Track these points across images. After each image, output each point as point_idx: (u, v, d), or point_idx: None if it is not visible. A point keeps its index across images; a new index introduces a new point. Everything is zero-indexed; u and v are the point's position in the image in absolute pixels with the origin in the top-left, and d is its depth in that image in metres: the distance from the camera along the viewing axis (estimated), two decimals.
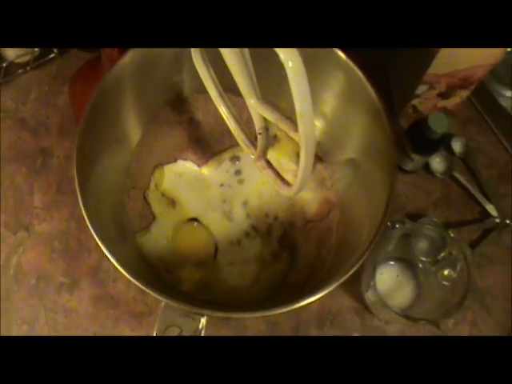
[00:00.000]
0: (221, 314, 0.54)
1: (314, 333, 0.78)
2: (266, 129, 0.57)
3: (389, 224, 0.74)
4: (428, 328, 0.79)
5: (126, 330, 0.77)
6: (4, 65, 0.88)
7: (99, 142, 0.64)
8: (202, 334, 0.55)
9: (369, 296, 0.75)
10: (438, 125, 0.75)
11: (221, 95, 0.63)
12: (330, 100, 0.69)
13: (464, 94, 0.86)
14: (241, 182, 0.73)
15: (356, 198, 0.69)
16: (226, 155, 0.75)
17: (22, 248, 0.80)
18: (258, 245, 0.71)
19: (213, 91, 0.63)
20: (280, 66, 0.41)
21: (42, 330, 0.77)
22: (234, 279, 0.69)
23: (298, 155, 0.51)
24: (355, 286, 0.79)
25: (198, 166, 0.75)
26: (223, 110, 0.63)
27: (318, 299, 0.54)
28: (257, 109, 0.54)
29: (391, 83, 0.87)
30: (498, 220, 0.85)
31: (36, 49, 0.88)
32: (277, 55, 0.41)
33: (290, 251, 0.71)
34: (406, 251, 0.78)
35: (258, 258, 0.70)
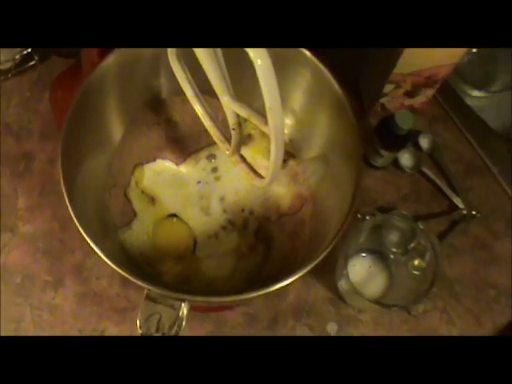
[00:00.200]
0: (199, 299, 0.56)
1: (291, 323, 0.82)
2: (239, 124, 0.60)
3: (359, 216, 0.77)
4: (400, 315, 0.83)
5: (110, 326, 0.80)
6: None
7: (82, 144, 0.66)
8: (183, 324, 0.58)
9: (342, 285, 0.78)
10: (404, 121, 0.78)
11: (197, 95, 0.65)
12: (299, 98, 0.71)
13: (429, 92, 0.89)
14: (217, 178, 0.76)
15: (327, 191, 0.72)
16: (203, 154, 0.77)
17: (7, 249, 0.83)
18: (235, 238, 0.74)
19: (189, 92, 0.65)
20: (252, 69, 0.45)
21: (28, 327, 0.79)
22: (212, 271, 0.72)
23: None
24: (329, 278, 0.82)
25: (177, 164, 0.77)
26: (199, 110, 0.66)
27: (289, 284, 0.57)
28: (230, 106, 0.57)
29: (360, 83, 0.90)
30: (464, 212, 0.89)
31: (17, 56, 0.90)
32: (247, 55, 0.44)
33: (266, 243, 0.74)
34: (378, 243, 0.81)
35: (235, 251, 0.73)
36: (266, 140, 0.76)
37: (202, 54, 0.54)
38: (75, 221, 0.57)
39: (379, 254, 0.83)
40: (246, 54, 0.44)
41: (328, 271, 0.82)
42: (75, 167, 0.64)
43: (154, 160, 0.77)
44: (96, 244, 0.56)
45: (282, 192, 0.75)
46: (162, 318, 0.56)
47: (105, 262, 0.56)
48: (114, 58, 0.65)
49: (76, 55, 0.92)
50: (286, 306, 0.83)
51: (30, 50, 0.90)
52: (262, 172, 0.64)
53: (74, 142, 0.63)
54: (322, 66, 0.65)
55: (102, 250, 0.56)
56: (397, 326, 0.83)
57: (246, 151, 0.71)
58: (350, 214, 0.60)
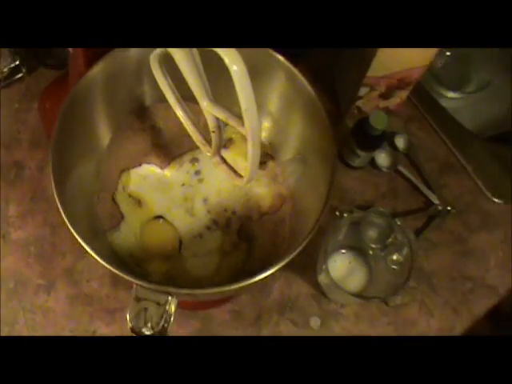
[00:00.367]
0: (184, 291, 0.59)
1: (275, 319, 0.85)
2: (219, 127, 0.63)
3: (337, 214, 0.81)
4: (380, 308, 0.86)
5: (101, 326, 0.83)
6: None
7: (71, 151, 0.68)
8: (171, 320, 0.61)
9: (322, 279, 0.82)
10: (378, 122, 0.82)
11: (179, 102, 0.68)
12: (275, 101, 0.75)
13: (403, 94, 0.93)
14: (200, 181, 0.79)
15: (305, 191, 0.75)
16: (186, 157, 0.80)
17: (0, 255, 0.85)
18: (219, 237, 0.77)
19: (171, 98, 0.68)
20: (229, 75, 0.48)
21: (22, 330, 0.82)
22: (197, 270, 0.75)
23: None
24: (311, 275, 0.86)
25: (161, 168, 0.80)
26: (181, 115, 0.69)
27: (267, 276, 0.60)
28: (209, 109, 0.61)
29: (336, 87, 0.94)
30: (440, 207, 0.93)
31: (5, 69, 0.93)
32: (223, 60, 0.48)
33: (248, 241, 0.76)
34: (357, 239, 0.84)
35: (219, 249, 0.76)
36: (245, 143, 0.79)
37: (181, 61, 0.57)
38: (67, 223, 0.59)
39: (358, 250, 0.86)
40: (223, 61, 0.48)
41: (310, 268, 0.85)
42: (65, 173, 0.66)
43: (140, 165, 0.80)
44: (87, 244, 0.59)
45: (263, 192, 0.78)
46: (150, 313, 0.59)
47: (96, 260, 0.59)
48: (100, 68, 0.68)
49: (63, 67, 0.95)
50: (270, 302, 0.86)
51: (17, 62, 0.93)
52: (242, 172, 0.67)
53: (63, 149, 0.66)
54: (294, 70, 0.68)
55: (93, 249, 0.59)
56: (377, 319, 0.87)
57: (227, 154, 0.74)
58: (324, 211, 0.63)
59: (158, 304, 0.59)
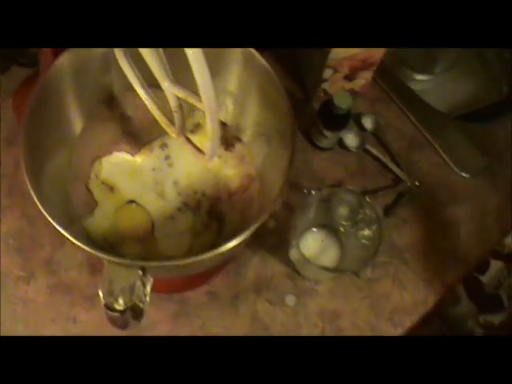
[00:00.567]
0: (154, 263, 0.62)
1: (252, 299, 0.87)
2: (181, 107, 0.66)
3: (305, 191, 0.82)
4: (354, 283, 0.88)
5: (80, 311, 0.84)
6: None
7: (43, 143, 0.70)
8: (147, 300, 0.63)
9: (293, 255, 0.84)
10: (342, 102, 0.85)
11: (144, 88, 0.71)
12: (235, 82, 0.77)
13: (367, 75, 0.95)
14: (170, 165, 0.81)
15: (270, 169, 0.77)
16: (156, 143, 0.82)
17: None
18: (190, 218, 0.79)
19: (137, 86, 0.70)
20: None
21: (5, 321, 0.84)
22: (170, 250, 0.77)
23: None
24: (285, 254, 0.88)
25: (132, 155, 0.82)
26: (147, 100, 0.71)
27: (232, 248, 0.63)
28: (170, 89, 0.63)
29: (302, 71, 0.96)
30: (408, 183, 0.95)
31: None
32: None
33: (218, 221, 0.79)
34: (328, 217, 0.86)
35: (190, 230, 0.78)
36: None
37: (145, 51, 0.60)
38: (43, 211, 0.61)
39: (330, 227, 0.88)
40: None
41: (283, 248, 0.87)
42: (38, 164, 0.68)
43: (111, 153, 0.82)
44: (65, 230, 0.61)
45: (232, 173, 0.81)
46: (122, 288, 0.60)
47: (73, 246, 0.61)
48: (67, 57, 0.70)
49: (35, 64, 0.97)
50: (247, 283, 0.88)
51: None
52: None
53: (36, 139, 0.68)
54: (251, 49, 0.70)
55: (71, 234, 0.61)
56: (352, 294, 0.88)
57: (195, 138, 0.76)
58: (284, 186, 0.66)
59: (129, 279, 0.61)
